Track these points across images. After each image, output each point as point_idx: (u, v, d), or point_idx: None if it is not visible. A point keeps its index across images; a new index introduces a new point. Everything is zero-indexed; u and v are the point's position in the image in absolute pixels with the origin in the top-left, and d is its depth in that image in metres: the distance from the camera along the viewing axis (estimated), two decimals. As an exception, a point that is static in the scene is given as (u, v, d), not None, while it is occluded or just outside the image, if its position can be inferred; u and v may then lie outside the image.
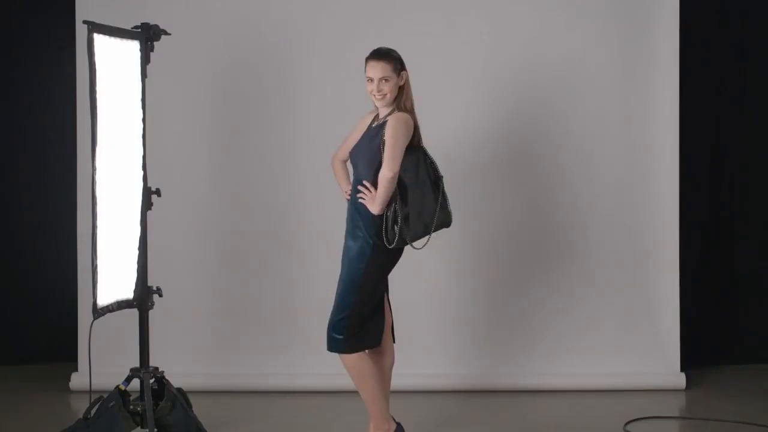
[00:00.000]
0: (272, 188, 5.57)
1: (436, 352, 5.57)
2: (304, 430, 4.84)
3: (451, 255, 5.57)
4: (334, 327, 4.21)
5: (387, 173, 4.04)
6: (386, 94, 4.14)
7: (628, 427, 4.79)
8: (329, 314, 4.27)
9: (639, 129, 5.59)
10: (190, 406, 4.47)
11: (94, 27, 4.08)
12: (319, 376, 5.48)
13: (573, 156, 5.58)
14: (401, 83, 4.18)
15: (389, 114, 4.17)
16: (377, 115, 4.26)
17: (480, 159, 5.57)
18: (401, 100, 4.19)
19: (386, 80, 4.13)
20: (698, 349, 5.99)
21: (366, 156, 4.15)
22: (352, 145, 4.31)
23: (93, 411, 4.29)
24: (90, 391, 4.25)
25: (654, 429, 4.86)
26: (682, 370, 5.60)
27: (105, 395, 4.32)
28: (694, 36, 5.85)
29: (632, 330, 5.59)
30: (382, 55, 4.17)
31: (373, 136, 4.16)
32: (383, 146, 4.09)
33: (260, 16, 5.57)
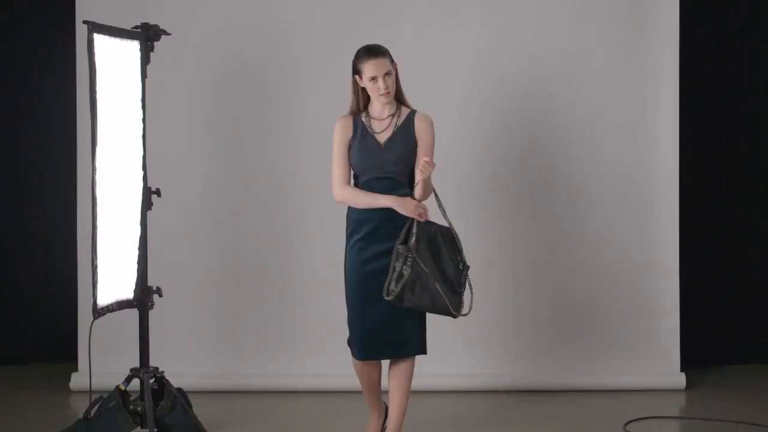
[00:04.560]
0: (272, 188, 5.57)
1: (435, 353, 5.56)
2: (304, 430, 4.84)
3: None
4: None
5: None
6: (390, 91, 4.13)
7: (628, 427, 4.79)
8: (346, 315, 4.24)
9: (639, 129, 5.58)
10: (190, 406, 4.47)
11: (94, 27, 4.08)
12: (319, 376, 5.48)
13: (574, 155, 5.57)
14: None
15: (397, 110, 4.19)
16: (369, 116, 4.21)
17: (481, 160, 5.56)
18: (401, 93, 4.24)
19: (389, 74, 4.12)
20: (698, 349, 5.99)
21: (405, 156, 4.14)
22: (350, 157, 4.20)
23: (93, 411, 4.29)
24: (90, 391, 4.25)
25: (654, 429, 4.86)
26: (682, 370, 5.60)
27: (105, 395, 4.31)
28: (694, 35, 5.85)
29: (632, 330, 5.59)
30: (379, 51, 4.14)
31: (404, 135, 4.15)
32: (417, 145, 4.16)
33: (260, 16, 5.56)
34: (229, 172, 5.60)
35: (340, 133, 4.21)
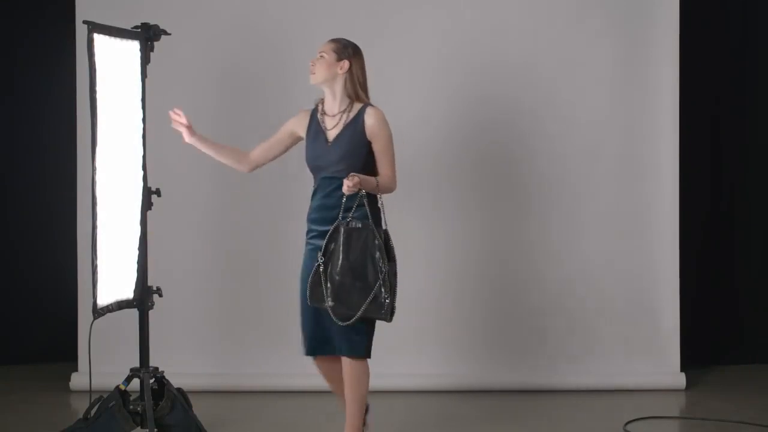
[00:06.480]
0: (272, 187, 5.57)
1: (435, 352, 5.57)
2: (304, 430, 4.84)
3: (450, 255, 5.57)
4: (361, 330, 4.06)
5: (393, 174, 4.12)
6: (314, 72, 4.10)
7: (628, 427, 4.79)
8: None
9: (639, 129, 5.59)
10: (190, 406, 4.47)
11: (94, 27, 4.07)
12: (318, 376, 5.47)
13: (573, 156, 5.58)
14: (340, 71, 4.09)
15: (348, 106, 4.11)
16: (323, 112, 4.17)
17: (479, 159, 5.56)
18: (355, 89, 4.10)
19: (321, 56, 4.10)
20: (698, 349, 5.99)
21: (350, 153, 4.06)
22: (279, 147, 4.30)
23: (93, 411, 4.29)
24: (90, 391, 4.25)
25: (654, 429, 4.86)
26: (682, 370, 5.60)
27: (105, 395, 4.31)
28: (694, 36, 5.85)
29: (632, 330, 5.59)
30: (333, 38, 4.17)
31: (351, 131, 4.08)
32: (372, 140, 4.07)
33: (260, 16, 5.57)
34: (229, 172, 5.59)
35: (289, 122, 4.28)
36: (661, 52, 5.54)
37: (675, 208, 5.58)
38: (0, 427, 4.83)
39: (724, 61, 6.15)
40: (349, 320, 3.94)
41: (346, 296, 3.94)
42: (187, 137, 4.38)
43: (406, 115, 5.44)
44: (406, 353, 5.49)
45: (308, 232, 4.16)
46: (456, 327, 5.60)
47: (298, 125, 4.24)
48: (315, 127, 4.17)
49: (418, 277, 5.40)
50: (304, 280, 4.14)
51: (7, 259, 6.19)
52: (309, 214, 4.17)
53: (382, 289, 3.93)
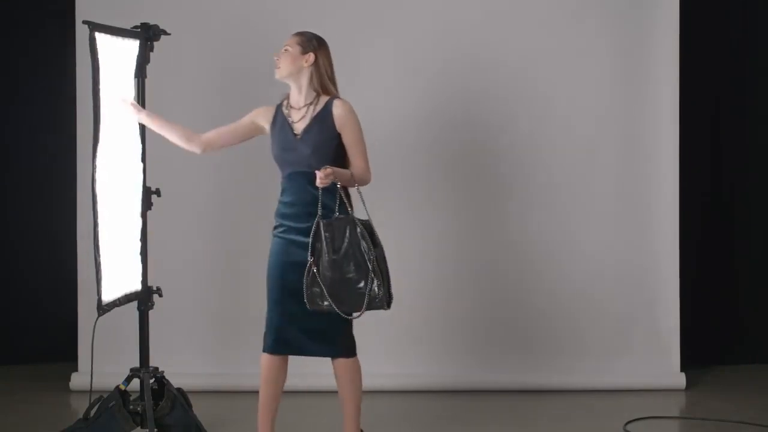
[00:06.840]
0: (272, 187, 5.54)
1: (436, 352, 5.57)
2: (304, 430, 4.84)
3: (450, 255, 5.57)
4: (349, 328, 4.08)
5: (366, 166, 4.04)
6: (279, 67, 4.08)
7: (628, 427, 4.79)
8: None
9: (639, 129, 5.59)
10: (190, 406, 4.47)
11: (95, 27, 4.07)
12: (319, 376, 5.47)
13: (572, 156, 5.58)
14: (305, 64, 4.07)
15: (315, 99, 4.08)
16: (289, 105, 4.14)
17: (477, 158, 5.57)
18: (322, 81, 4.07)
19: (286, 50, 4.08)
20: (698, 349, 5.99)
21: (322, 147, 4.01)
22: (232, 136, 4.27)
23: (93, 411, 4.29)
24: (90, 391, 4.25)
25: (654, 429, 4.86)
26: (682, 370, 5.60)
27: (105, 395, 4.32)
28: (694, 36, 5.85)
29: (632, 330, 5.59)
30: (297, 31, 4.14)
31: (320, 125, 4.03)
32: (342, 131, 4.03)
33: (260, 16, 5.57)
34: (229, 172, 5.60)
35: (252, 112, 4.23)
36: (661, 52, 5.54)
37: (675, 208, 5.58)
38: (0, 427, 4.82)
39: (724, 61, 6.16)
40: (352, 314, 3.91)
41: (341, 291, 3.88)
42: (135, 115, 4.31)
43: (404, 115, 5.45)
44: (404, 353, 5.49)
45: (278, 226, 4.09)
46: (455, 326, 5.59)
47: (262, 117, 4.20)
48: (280, 120, 4.12)
49: (417, 277, 5.40)
50: (272, 272, 4.08)
51: (7, 259, 6.20)
52: (279, 210, 4.11)
53: (375, 279, 3.87)
